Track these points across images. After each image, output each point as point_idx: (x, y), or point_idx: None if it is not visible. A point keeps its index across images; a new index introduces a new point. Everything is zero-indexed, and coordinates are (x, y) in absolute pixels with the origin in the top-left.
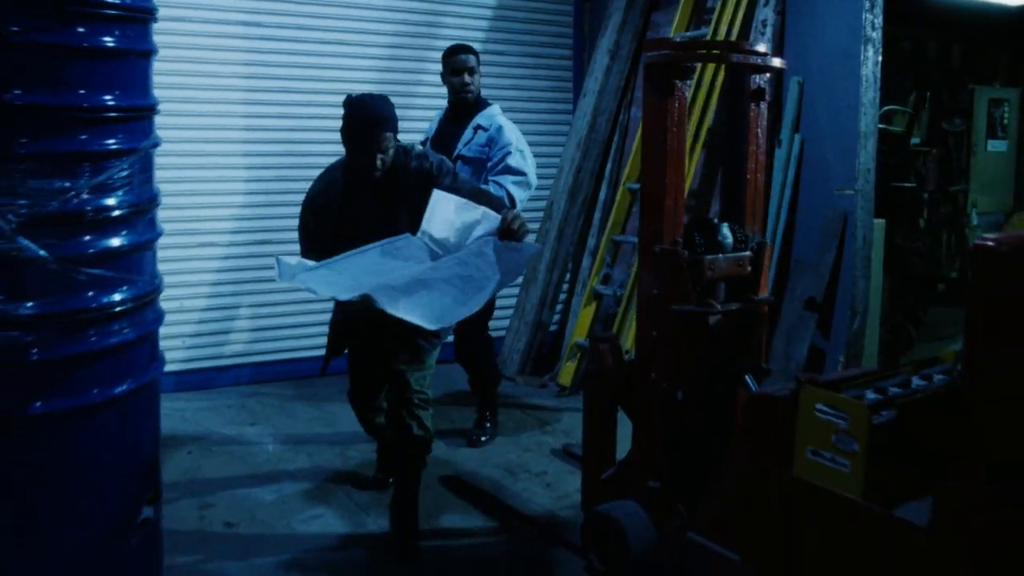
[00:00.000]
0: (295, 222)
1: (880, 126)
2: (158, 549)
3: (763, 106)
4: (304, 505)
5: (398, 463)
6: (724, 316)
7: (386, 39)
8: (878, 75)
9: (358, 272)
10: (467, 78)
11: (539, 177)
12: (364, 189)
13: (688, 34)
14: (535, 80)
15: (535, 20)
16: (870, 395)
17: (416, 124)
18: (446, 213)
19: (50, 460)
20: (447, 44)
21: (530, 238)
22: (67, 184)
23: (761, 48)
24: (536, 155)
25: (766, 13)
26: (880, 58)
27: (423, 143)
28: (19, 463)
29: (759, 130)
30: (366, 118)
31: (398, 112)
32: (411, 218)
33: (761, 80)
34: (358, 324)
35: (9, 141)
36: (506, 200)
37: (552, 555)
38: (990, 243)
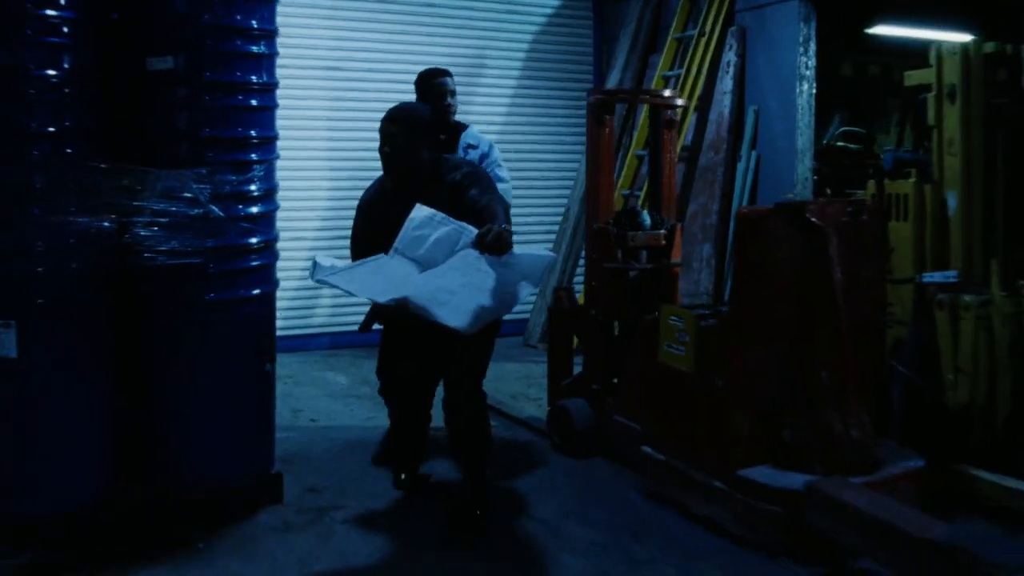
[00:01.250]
0: None
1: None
2: (273, 392)
3: (673, 132)
4: (366, 412)
5: (464, 445)
6: (642, 273)
7: None
8: (812, 104)
9: (389, 275)
10: (450, 100)
11: (559, 188)
12: (405, 197)
13: (671, 72)
14: (562, 109)
15: (563, 60)
16: (704, 312)
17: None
18: (420, 229)
19: (218, 328)
20: (493, 81)
21: (542, 248)
22: (231, 177)
23: (667, 93)
24: (558, 170)
25: (730, 56)
26: (814, 91)
27: None
28: (203, 329)
29: (672, 148)
30: (385, 132)
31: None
32: None
33: (672, 114)
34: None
35: (203, 154)
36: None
37: (530, 438)
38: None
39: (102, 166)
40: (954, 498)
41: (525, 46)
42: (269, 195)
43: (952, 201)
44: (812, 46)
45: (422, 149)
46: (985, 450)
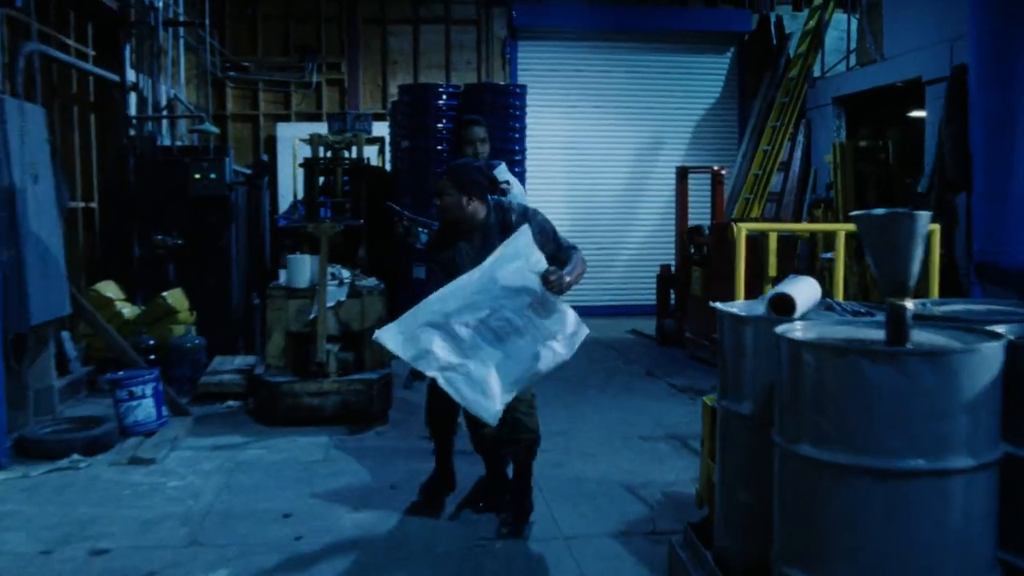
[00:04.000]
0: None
1: None
2: None
3: (721, 187)
4: None
5: (514, 459)
6: (701, 257)
7: (630, 154)
8: None
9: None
10: (479, 146)
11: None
12: (470, 234)
13: (767, 147)
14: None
15: (716, 136)
16: (708, 269)
17: (652, 202)
18: (526, 258)
19: None
20: (669, 151)
21: None
22: None
23: (715, 167)
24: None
25: (800, 137)
26: None
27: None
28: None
29: (721, 195)
30: (438, 187)
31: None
32: None
33: (721, 177)
34: None
35: None
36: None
37: (647, 342)
38: (715, 223)
39: None
40: None
41: (691, 127)
42: None
43: (841, 218)
44: (843, 131)
45: (471, 201)
46: None
